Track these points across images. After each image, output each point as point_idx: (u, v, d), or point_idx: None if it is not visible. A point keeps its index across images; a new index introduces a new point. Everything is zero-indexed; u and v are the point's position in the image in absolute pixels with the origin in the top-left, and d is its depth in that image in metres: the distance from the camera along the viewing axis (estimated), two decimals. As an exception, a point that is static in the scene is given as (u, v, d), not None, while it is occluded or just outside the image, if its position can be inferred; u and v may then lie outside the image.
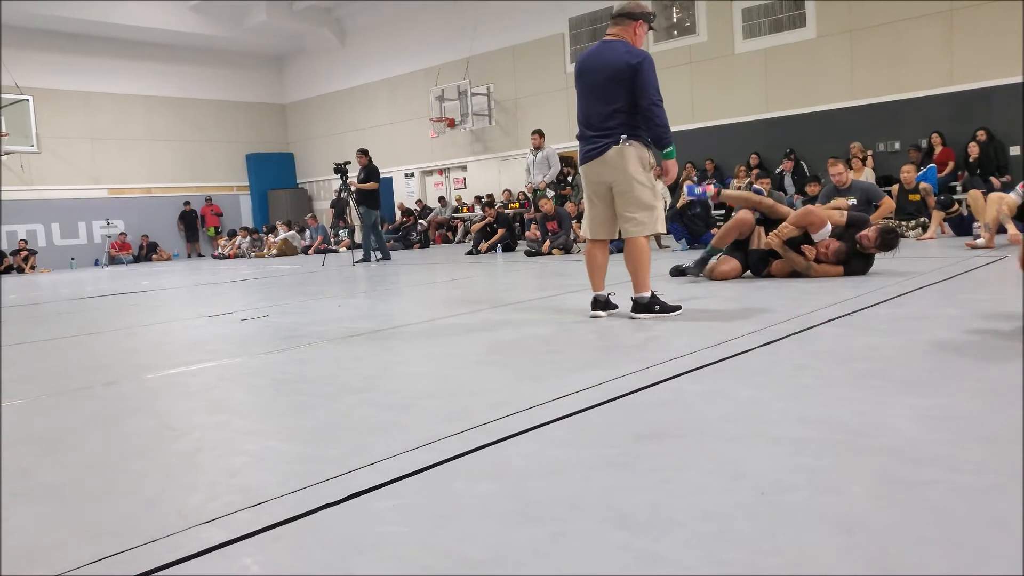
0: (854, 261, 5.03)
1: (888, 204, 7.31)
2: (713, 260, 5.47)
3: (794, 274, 5.19)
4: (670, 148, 3.74)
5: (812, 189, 9.90)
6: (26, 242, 17.08)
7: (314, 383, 2.88)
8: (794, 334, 3.15)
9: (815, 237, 5.05)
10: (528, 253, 10.19)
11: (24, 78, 16.45)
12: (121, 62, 18.43)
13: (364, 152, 11.29)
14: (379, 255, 11.15)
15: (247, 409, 2.58)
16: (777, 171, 12.30)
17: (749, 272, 5.44)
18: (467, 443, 1.92)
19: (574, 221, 10.93)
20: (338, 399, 2.56)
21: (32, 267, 16.76)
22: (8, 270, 16.47)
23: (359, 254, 11.44)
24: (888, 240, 4.88)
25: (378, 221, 11.25)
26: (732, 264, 5.32)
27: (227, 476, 1.83)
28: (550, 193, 10.64)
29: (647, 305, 3.82)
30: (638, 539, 1.32)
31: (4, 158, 16.55)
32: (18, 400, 2.92)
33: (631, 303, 3.89)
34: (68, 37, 17.49)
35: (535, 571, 1.23)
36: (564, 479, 1.65)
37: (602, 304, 3.99)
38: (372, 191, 10.93)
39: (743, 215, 5.33)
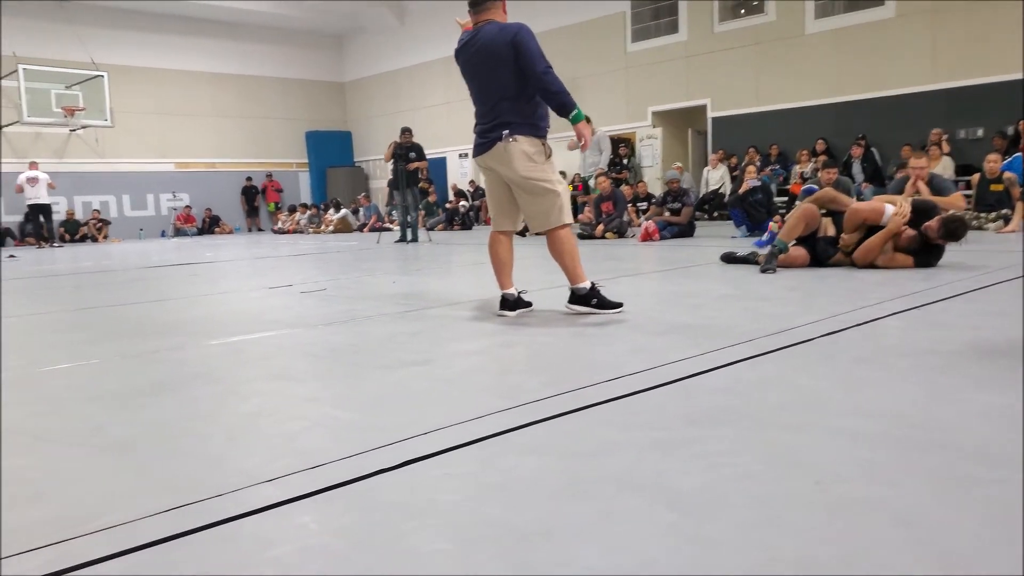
0: (924, 252, 4.85)
1: (956, 202, 6.96)
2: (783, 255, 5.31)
3: (861, 264, 5.03)
4: (575, 111, 3.44)
5: (902, 174, 9.37)
6: (99, 212, 17.80)
7: (370, 355, 2.93)
8: (857, 325, 3.07)
9: (884, 220, 4.88)
10: (581, 236, 10.09)
11: (100, 55, 17.09)
12: (189, 39, 18.93)
13: (409, 130, 11.31)
14: (410, 236, 11.15)
15: (305, 377, 2.65)
16: (844, 159, 11.89)
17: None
18: (518, 419, 1.94)
19: (629, 204, 10.83)
20: (393, 371, 2.61)
21: (105, 236, 17.48)
22: (83, 239, 17.21)
23: (398, 234, 11.46)
24: (952, 229, 4.67)
25: (417, 200, 11.30)
26: (800, 252, 5.18)
27: (286, 440, 1.89)
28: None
29: (584, 297, 3.59)
30: (687, 521, 1.31)
31: (81, 131, 17.25)
32: (93, 360, 3.06)
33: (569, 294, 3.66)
34: (140, 15, 18.05)
35: (583, 546, 1.24)
36: (614, 458, 1.65)
37: (511, 303, 3.68)
38: (416, 170, 10.98)
39: (807, 208, 5.18)
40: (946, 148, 10.77)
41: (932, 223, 4.76)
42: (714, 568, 1.15)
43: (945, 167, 10.49)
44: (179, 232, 18.66)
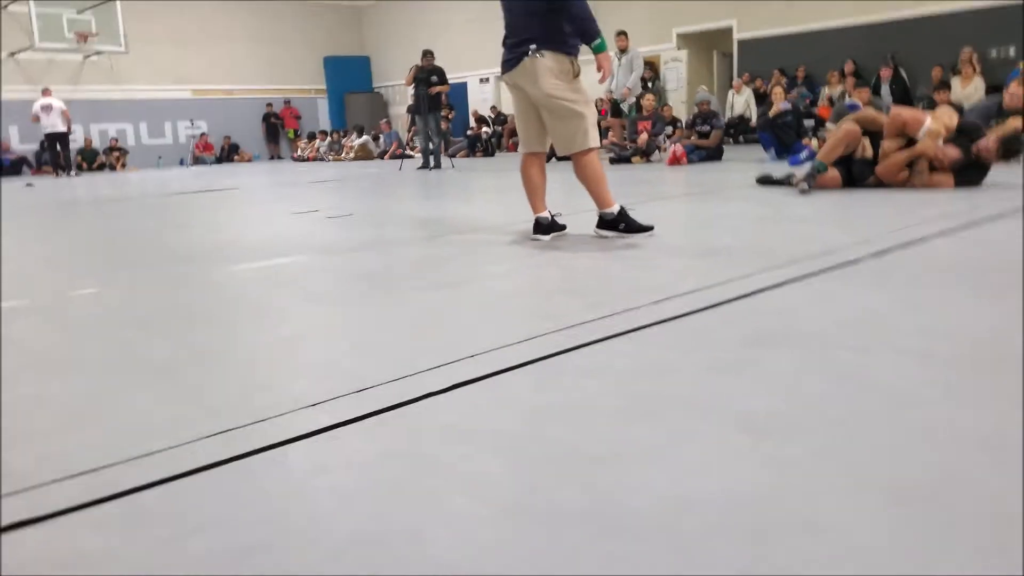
0: (968, 171, 4.67)
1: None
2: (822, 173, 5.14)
3: (900, 182, 4.86)
4: (598, 40, 3.36)
5: (942, 96, 8.97)
6: (117, 140, 17.66)
7: (405, 278, 2.87)
8: (907, 245, 2.94)
9: (920, 135, 4.69)
10: (614, 160, 9.79)
11: (111, -22, 16.62)
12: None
13: (431, 53, 10.94)
14: (432, 162, 10.91)
15: (342, 300, 2.59)
16: (872, 80, 11.42)
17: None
18: (569, 340, 1.87)
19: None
20: (433, 293, 2.54)
21: (123, 165, 17.39)
22: (101, 167, 17.14)
23: (420, 160, 11.23)
24: (1014, 147, 4.51)
25: (440, 126, 11.03)
26: (833, 174, 5.01)
27: (330, 362, 1.84)
28: (630, 100, 10.13)
29: (612, 221, 3.48)
30: (763, 443, 1.25)
31: (95, 58, 16.95)
32: (123, 286, 3.02)
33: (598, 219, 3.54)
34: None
35: (655, 470, 1.18)
36: (673, 380, 1.58)
37: (544, 227, 3.58)
38: (437, 95, 10.68)
39: (850, 128, 4.97)
40: (977, 68, 10.30)
41: (990, 144, 4.57)
42: (800, 492, 1.08)
43: (977, 87, 10.04)
44: (198, 160, 18.50)
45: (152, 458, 1.31)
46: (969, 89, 9.96)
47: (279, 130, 20.12)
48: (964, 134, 4.79)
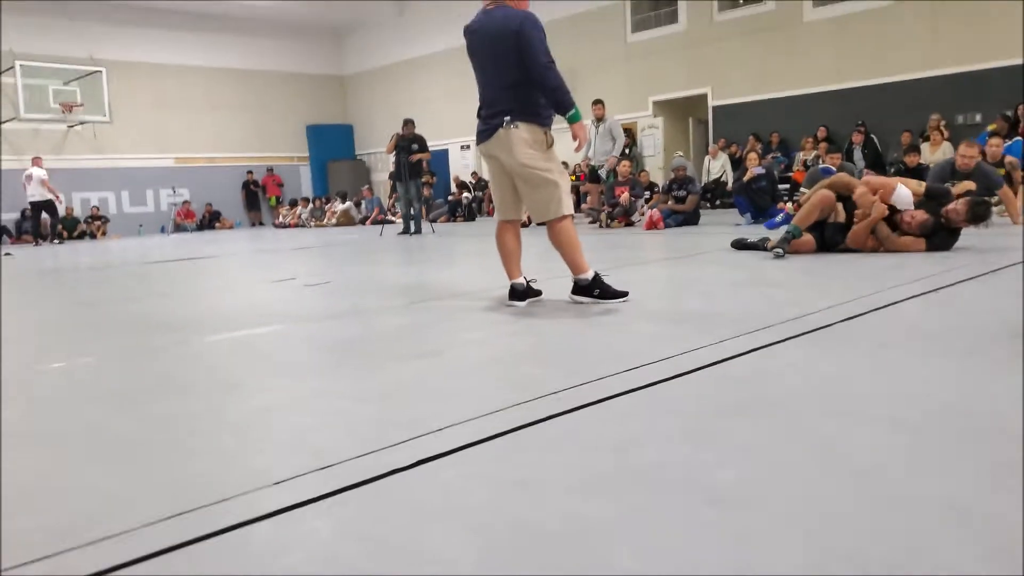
0: (938, 235, 4.78)
1: (1009, 196, 6.84)
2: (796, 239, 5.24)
3: (871, 248, 4.96)
4: (573, 111, 3.41)
5: (912, 159, 9.29)
6: (98, 209, 17.68)
7: (380, 347, 2.85)
8: (876, 309, 2.98)
9: (897, 203, 4.83)
10: (598, 223, 9.94)
11: (98, 50, 16.95)
12: (187, 34, 18.77)
13: (412, 122, 11.18)
14: (413, 227, 11.02)
15: (314, 371, 2.57)
16: (845, 146, 11.79)
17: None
18: (537, 412, 1.85)
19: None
20: (404, 363, 2.53)
21: (103, 233, 17.37)
22: (81, 236, 17.11)
23: (401, 226, 11.34)
24: (980, 212, 4.65)
25: (421, 193, 11.18)
26: (807, 239, 5.10)
27: (297, 437, 1.81)
28: (607, 166, 10.35)
29: (587, 287, 3.50)
30: (731, 517, 1.23)
31: (79, 127, 17.12)
32: (94, 357, 2.98)
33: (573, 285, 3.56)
34: (139, 10, 17.86)
35: (618, 546, 1.16)
36: (642, 452, 1.57)
37: (520, 293, 3.60)
38: (418, 162, 10.86)
39: (824, 194, 5.09)
40: (946, 133, 10.68)
41: (959, 207, 4.71)
42: (764, 568, 1.07)
43: (945, 152, 10.40)
44: (179, 228, 18.54)
45: (109, 542, 1.27)
46: (938, 154, 10.28)
47: (259, 197, 20.26)
48: (932, 199, 4.93)
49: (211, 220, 19.23)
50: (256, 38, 19.92)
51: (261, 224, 20.26)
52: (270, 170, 20.47)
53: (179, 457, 1.72)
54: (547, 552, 1.16)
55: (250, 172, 20.06)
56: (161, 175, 18.80)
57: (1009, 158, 8.22)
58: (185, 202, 18.98)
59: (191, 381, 2.49)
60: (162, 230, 18.64)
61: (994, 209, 7.94)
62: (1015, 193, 7.84)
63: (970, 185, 6.09)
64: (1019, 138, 9.72)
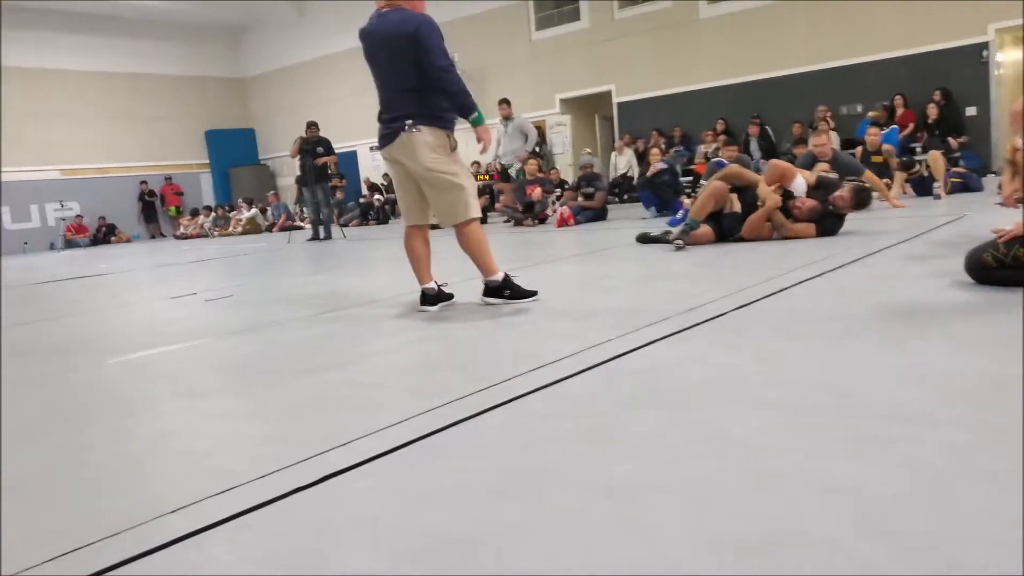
0: (826, 221, 5.10)
1: (872, 178, 7.31)
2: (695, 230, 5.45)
3: (766, 236, 5.22)
4: (475, 114, 3.39)
5: (800, 150, 9.78)
6: (-25, 227, 16.54)
7: (282, 363, 2.80)
8: (767, 296, 3.14)
9: (793, 189, 5.13)
10: (513, 221, 10.01)
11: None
12: (71, 37, 17.75)
13: (316, 124, 10.96)
14: (323, 233, 10.83)
15: (213, 392, 2.50)
16: (742, 138, 12.32)
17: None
18: (444, 419, 1.87)
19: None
20: (309, 378, 2.49)
21: (-16, 253, 16.25)
22: (-40, 257, 15.95)
23: (310, 232, 11.13)
24: (863, 198, 5.03)
25: (328, 196, 11.01)
26: (705, 230, 5.32)
27: (194, 462, 1.76)
28: (517, 164, 10.46)
29: (497, 289, 3.53)
30: (626, 510, 1.29)
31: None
32: (-28, 390, 2.80)
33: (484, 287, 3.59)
34: (13, 10, 16.73)
35: (520, 547, 1.19)
36: (545, 452, 1.61)
37: (431, 298, 3.60)
38: (324, 165, 10.66)
39: (717, 185, 5.32)
40: (832, 123, 11.32)
41: (844, 194, 5.04)
42: (657, 559, 1.12)
43: (832, 141, 11.01)
44: (70, 244, 17.53)
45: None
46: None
47: (155, 208, 19.41)
48: (822, 187, 5.24)
49: (106, 234, 18.29)
50: (147, 40, 19.05)
51: (161, 236, 19.41)
52: (168, 179, 19.63)
53: (71, 493, 1.65)
54: (454, 560, 1.18)
55: (143, 182, 19.17)
56: (47, 188, 17.70)
57: (886, 146, 8.80)
58: (76, 216, 17.96)
59: (83, 410, 2.38)
60: (51, 247, 17.58)
61: (875, 194, 8.52)
62: (892, 179, 8.40)
63: (824, 167, 6.50)
64: (895, 127, 10.41)
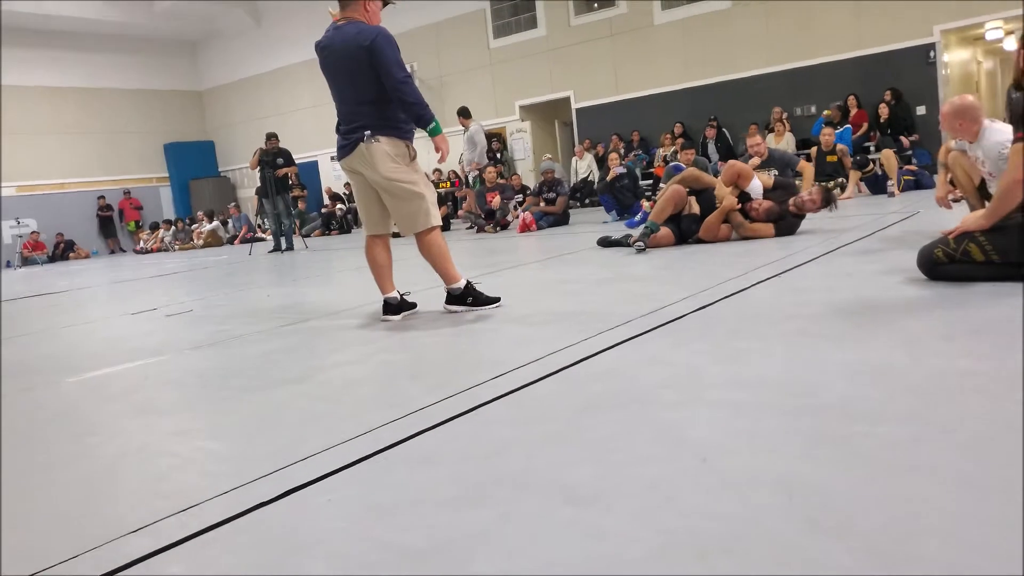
0: (785, 221, 5.21)
1: (808, 169, 7.52)
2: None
3: (724, 237, 5.32)
4: (432, 124, 3.40)
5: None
6: (-75, 247, 16.04)
7: (243, 377, 2.77)
8: (726, 297, 3.20)
9: (749, 191, 5.25)
10: (475, 228, 10.05)
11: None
12: (24, 51, 17.32)
13: (275, 136, 10.87)
14: (284, 244, 10.76)
15: (173, 409, 2.47)
16: (700, 140, 12.51)
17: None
18: (406, 429, 1.87)
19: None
20: (269, 392, 2.47)
21: (-65, 273, 15.75)
22: (-92, 278, 15.43)
23: (272, 244, 11.04)
24: (830, 197, 5.20)
25: (290, 207, 10.94)
26: (666, 232, 5.39)
27: (153, 481, 1.74)
28: (474, 172, 10.51)
29: (460, 296, 3.56)
30: (585, 514, 1.30)
31: None
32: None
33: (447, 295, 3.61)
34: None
35: (481, 555, 1.20)
36: (507, 458, 1.62)
37: (394, 307, 3.61)
38: (285, 176, 10.57)
39: (676, 189, 5.40)
40: (787, 125, 11.57)
41: (814, 197, 5.15)
42: (613, 561, 1.14)
43: (788, 142, 11.28)
44: (27, 261, 17.07)
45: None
46: (782, 144, 11.10)
47: (113, 223, 19.03)
48: (779, 189, 5.36)
49: (65, 250, 17.87)
50: (102, 54, 18.68)
51: (121, 251, 19.02)
52: (127, 193, 19.26)
53: (24, 517, 1.61)
54: (416, 571, 1.18)
55: (101, 197, 18.78)
56: (2, 205, 17.23)
57: (840, 146, 9.02)
58: (33, 233, 17.51)
59: (39, 431, 2.33)
60: (8, 264, 17.11)
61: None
62: (847, 177, 8.61)
63: (766, 179, 6.68)
64: (848, 127, 10.67)
